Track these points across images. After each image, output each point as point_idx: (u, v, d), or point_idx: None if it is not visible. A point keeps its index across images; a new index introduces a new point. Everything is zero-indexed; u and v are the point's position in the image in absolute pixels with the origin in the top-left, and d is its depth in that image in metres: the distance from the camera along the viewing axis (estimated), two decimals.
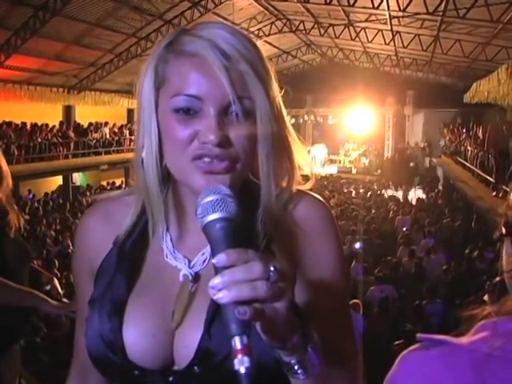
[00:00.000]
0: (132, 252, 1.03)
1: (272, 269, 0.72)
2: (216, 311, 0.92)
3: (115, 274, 1.01)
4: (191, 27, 0.95)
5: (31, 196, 19.79)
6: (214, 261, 0.72)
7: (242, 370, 0.68)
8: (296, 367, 0.81)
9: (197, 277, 0.99)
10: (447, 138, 22.45)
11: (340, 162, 30.86)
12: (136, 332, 0.96)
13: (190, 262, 1.01)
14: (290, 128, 1.02)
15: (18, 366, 2.48)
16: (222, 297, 0.69)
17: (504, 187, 9.95)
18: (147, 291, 1.00)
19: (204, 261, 1.00)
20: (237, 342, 0.69)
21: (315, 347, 0.82)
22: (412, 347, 0.67)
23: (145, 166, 0.96)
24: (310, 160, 1.08)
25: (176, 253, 1.02)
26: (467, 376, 0.59)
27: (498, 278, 0.74)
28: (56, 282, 2.65)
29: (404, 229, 13.70)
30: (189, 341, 0.94)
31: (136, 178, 1.01)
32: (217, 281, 0.70)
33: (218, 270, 0.71)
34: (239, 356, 0.68)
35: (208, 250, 0.99)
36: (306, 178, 1.07)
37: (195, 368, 0.93)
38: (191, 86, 0.88)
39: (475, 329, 0.64)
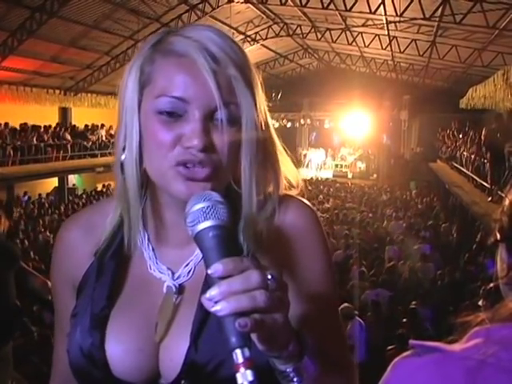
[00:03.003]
0: (112, 264, 0.98)
1: (269, 277, 0.70)
2: (202, 323, 0.90)
3: (95, 287, 0.97)
4: (179, 28, 0.92)
5: (26, 198, 19.77)
6: (209, 271, 0.69)
7: None
8: (291, 375, 0.79)
9: (181, 288, 0.96)
10: (443, 142, 22.49)
11: (336, 166, 30.90)
12: (119, 346, 0.92)
13: (173, 273, 0.97)
14: (275, 137, 0.98)
15: (10, 369, 2.46)
16: (221, 309, 0.67)
17: (499, 192, 9.97)
18: (130, 304, 0.97)
19: (188, 272, 0.97)
20: (238, 356, 0.66)
21: (311, 354, 0.81)
22: (404, 354, 0.66)
23: (125, 169, 0.91)
24: (295, 170, 1.05)
25: (159, 264, 0.98)
26: (460, 383, 0.58)
27: (492, 284, 0.74)
28: (50, 285, 2.63)
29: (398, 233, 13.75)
30: (175, 354, 0.91)
31: (115, 183, 0.96)
32: (214, 292, 0.67)
33: (213, 281, 0.69)
34: (241, 370, 0.66)
35: (192, 260, 0.97)
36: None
37: (182, 382, 0.90)
38: (177, 87, 0.85)
39: (468, 336, 0.63)
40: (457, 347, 0.62)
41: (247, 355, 0.66)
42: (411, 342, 0.66)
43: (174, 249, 0.99)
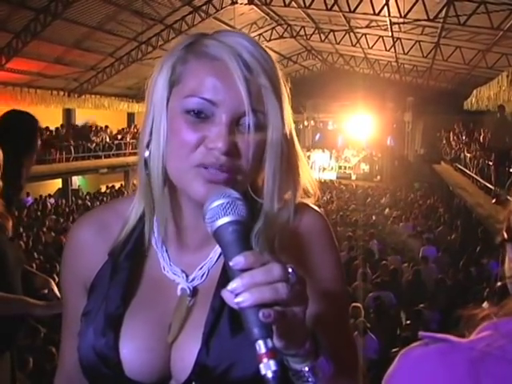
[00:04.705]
0: (127, 264, 0.99)
1: (290, 271, 0.71)
2: (214, 325, 0.91)
3: (109, 287, 0.97)
4: (212, 32, 0.93)
5: (30, 199, 19.78)
6: (231, 263, 0.70)
7: (269, 374, 0.65)
8: (307, 375, 0.80)
9: (194, 291, 0.97)
10: (447, 144, 22.47)
11: (340, 167, 30.91)
12: (133, 347, 0.93)
13: (187, 276, 0.98)
14: (299, 149, 0.99)
15: (7, 370, 2.45)
16: (244, 300, 0.67)
17: (507, 196, 9.94)
18: (144, 305, 0.97)
19: (202, 275, 0.98)
20: (261, 346, 0.66)
21: (326, 354, 0.81)
22: (412, 345, 0.67)
23: (150, 165, 0.92)
24: (314, 178, 1.05)
25: (173, 266, 0.99)
26: (462, 373, 0.59)
27: (499, 284, 0.74)
28: (53, 284, 2.62)
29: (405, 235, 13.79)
30: (186, 355, 0.91)
31: (138, 179, 0.96)
32: (236, 284, 0.67)
33: (234, 274, 0.69)
34: (265, 360, 0.66)
35: (206, 264, 0.98)
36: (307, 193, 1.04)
37: (193, 383, 0.90)
38: (208, 89, 0.86)
39: (477, 330, 0.63)
40: (465, 339, 0.62)
41: (270, 345, 0.66)
42: (421, 333, 0.66)
43: (188, 251, 1.00)
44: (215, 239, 0.75)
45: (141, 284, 0.99)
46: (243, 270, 0.69)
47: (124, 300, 0.96)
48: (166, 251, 1.00)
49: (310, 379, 0.80)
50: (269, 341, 0.67)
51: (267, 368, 0.66)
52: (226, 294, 0.69)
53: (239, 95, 0.85)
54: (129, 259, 0.99)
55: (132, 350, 0.92)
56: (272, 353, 0.66)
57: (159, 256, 1.00)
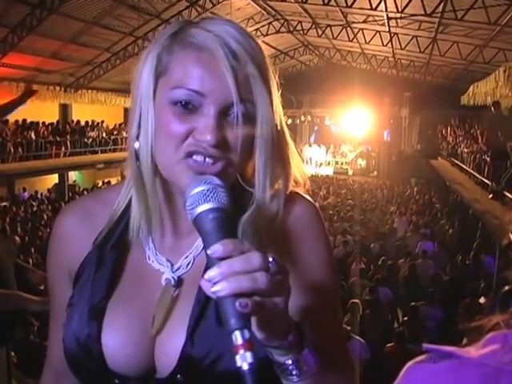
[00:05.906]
0: (112, 255, 0.97)
1: (270, 260, 0.69)
2: (199, 317, 0.89)
3: (95, 278, 0.96)
4: (198, 20, 0.91)
5: (26, 194, 19.75)
6: (208, 252, 0.68)
7: (245, 366, 0.64)
8: (291, 368, 0.78)
9: (179, 281, 0.95)
10: (444, 139, 22.47)
11: (336, 163, 30.92)
12: (116, 339, 0.91)
13: (172, 265, 0.96)
14: (289, 137, 0.98)
15: (3, 367, 2.44)
16: (220, 289, 0.65)
17: (504, 191, 9.93)
18: (128, 296, 0.95)
19: (187, 264, 0.96)
20: (238, 337, 0.65)
21: (311, 347, 0.80)
22: (418, 359, 0.63)
23: (140, 157, 0.90)
24: (304, 170, 1.03)
25: (158, 255, 0.98)
26: None
27: (506, 288, 0.72)
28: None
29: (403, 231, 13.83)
30: (170, 348, 0.90)
31: (129, 170, 0.94)
32: (213, 273, 0.66)
33: (212, 262, 0.68)
34: (241, 351, 0.64)
35: (192, 253, 0.97)
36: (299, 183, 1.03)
37: (178, 376, 0.89)
38: (195, 80, 0.84)
39: (485, 340, 0.61)
40: (473, 353, 0.60)
41: (247, 337, 0.65)
42: (425, 346, 0.63)
43: (173, 240, 0.98)
44: (195, 227, 0.74)
45: (126, 274, 0.98)
46: (222, 259, 0.67)
47: (108, 292, 0.95)
48: (152, 241, 0.99)
49: (293, 372, 0.79)
50: (246, 332, 0.65)
51: (243, 360, 0.64)
52: (203, 283, 0.67)
53: (227, 85, 0.83)
54: (114, 250, 0.98)
55: (114, 343, 0.91)
56: (249, 344, 0.65)
57: (144, 245, 0.99)
